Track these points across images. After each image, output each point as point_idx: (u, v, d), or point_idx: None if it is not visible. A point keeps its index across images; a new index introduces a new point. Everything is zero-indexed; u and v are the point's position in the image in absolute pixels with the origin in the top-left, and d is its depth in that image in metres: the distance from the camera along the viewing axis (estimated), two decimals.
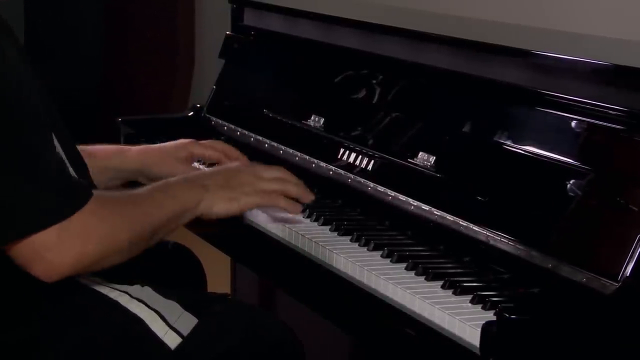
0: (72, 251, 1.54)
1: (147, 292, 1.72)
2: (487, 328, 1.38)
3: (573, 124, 1.65)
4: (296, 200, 1.83)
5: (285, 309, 2.55)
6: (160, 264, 2.04)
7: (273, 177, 1.82)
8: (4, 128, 1.51)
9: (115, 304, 1.68)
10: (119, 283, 1.73)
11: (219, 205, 1.75)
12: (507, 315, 1.36)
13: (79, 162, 1.69)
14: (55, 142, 1.59)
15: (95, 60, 4.96)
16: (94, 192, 1.59)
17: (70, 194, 1.55)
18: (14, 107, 1.52)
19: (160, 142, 2.36)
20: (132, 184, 2.08)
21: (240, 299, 2.62)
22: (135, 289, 1.72)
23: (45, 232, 1.52)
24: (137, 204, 1.66)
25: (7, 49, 1.53)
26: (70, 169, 1.58)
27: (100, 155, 2.01)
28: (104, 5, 4.96)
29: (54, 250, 1.53)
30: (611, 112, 1.63)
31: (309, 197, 1.84)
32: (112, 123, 2.47)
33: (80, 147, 1.92)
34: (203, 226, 2.07)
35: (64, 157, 1.59)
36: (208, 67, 4.55)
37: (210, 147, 2.10)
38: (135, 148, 2.07)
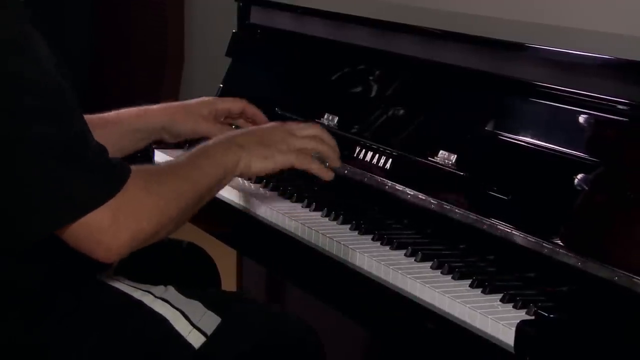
0: (127, 230, 1.53)
1: (170, 292, 1.72)
2: (524, 327, 1.38)
3: (598, 120, 1.65)
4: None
5: (292, 305, 2.54)
6: (176, 264, 2.04)
7: (307, 135, 1.83)
8: (53, 115, 1.50)
9: (140, 304, 1.68)
10: (142, 283, 1.73)
11: (256, 164, 1.75)
12: (545, 314, 1.35)
13: None
14: None
15: (83, 56, 4.94)
16: (134, 167, 1.58)
17: (112, 172, 1.54)
18: (60, 94, 1.52)
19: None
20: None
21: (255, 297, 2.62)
22: (159, 289, 1.71)
23: (98, 215, 1.51)
24: (180, 172, 1.65)
25: (38, 41, 1.53)
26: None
27: (125, 120, 2.01)
28: (91, 2, 4.94)
29: (110, 231, 1.52)
30: (619, 107, 1.62)
31: (337, 162, 1.85)
32: None
33: (102, 116, 1.92)
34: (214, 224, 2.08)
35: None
36: (200, 64, 4.54)
37: (233, 100, 2.10)
38: (156, 106, 2.06)
